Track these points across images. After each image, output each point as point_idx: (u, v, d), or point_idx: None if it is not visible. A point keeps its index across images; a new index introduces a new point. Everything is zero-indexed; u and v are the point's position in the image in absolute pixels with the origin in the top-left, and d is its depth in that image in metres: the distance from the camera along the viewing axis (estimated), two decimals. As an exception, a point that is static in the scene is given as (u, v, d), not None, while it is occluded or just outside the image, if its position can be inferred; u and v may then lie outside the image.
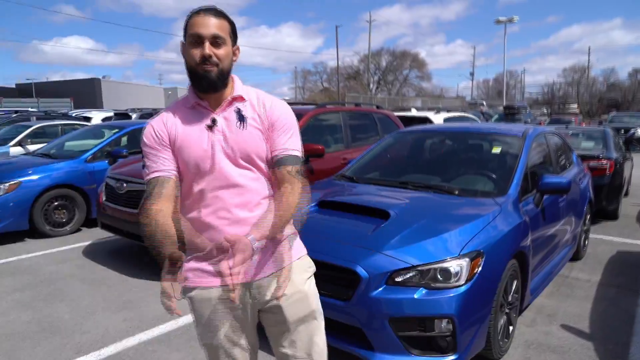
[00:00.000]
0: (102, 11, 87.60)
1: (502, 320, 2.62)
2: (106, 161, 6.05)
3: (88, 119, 13.62)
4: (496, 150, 3.48)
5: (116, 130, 6.67)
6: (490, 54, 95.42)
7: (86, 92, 37.29)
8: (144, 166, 1.41)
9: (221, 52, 1.35)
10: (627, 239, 5.31)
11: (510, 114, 20.27)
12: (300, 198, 1.42)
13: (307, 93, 54.01)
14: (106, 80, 42.07)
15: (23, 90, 40.53)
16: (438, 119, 8.01)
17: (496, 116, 21.47)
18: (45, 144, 7.44)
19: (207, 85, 1.36)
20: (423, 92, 52.03)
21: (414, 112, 9.13)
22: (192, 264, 1.44)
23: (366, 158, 3.95)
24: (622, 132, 14.22)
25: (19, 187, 5.37)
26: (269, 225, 1.34)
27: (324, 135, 5.49)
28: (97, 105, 33.26)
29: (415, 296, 2.18)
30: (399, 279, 2.24)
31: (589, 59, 50.64)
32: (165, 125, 1.40)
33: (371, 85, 48.98)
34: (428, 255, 2.28)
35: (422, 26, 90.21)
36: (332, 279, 2.34)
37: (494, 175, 3.30)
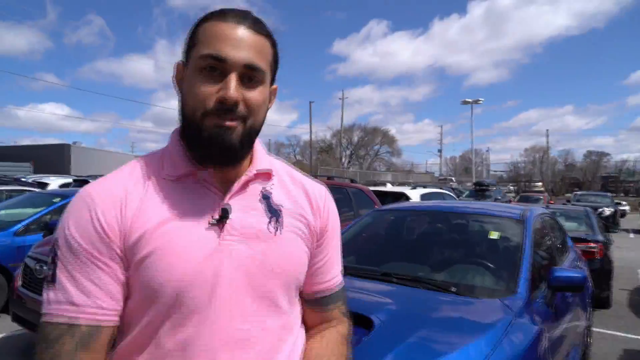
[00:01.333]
0: (82, 80, 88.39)
1: None
2: (41, 234, 5.24)
3: (44, 184, 12.70)
4: (493, 235, 2.97)
5: (59, 198, 5.91)
6: (456, 133, 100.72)
7: (55, 158, 35.99)
8: (47, 280, 0.73)
9: (256, 96, 0.76)
10: (629, 334, 4.77)
11: (480, 190, 20.54)
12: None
13: (280, 165, 54.38)
14: (77, 146, 41.05)
15: (-13, 154, 38.86)
16: (415, 194, 7.62)
17: (467, 192, 21.68)
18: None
19: (221, 154, 0.76)
20: (393, 166, 53.28)
21: (389, 187, 8.78)
22: None
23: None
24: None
25: None
26: None
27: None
28: (66, 171, 31.93)
29: None
30: None
31: (547, 141, 53.50)
32: (122, 211, 0.73)
33: (343, 159, 49.81)
34: (429, 390, 1.63)
35: (392, 105, 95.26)
36: None
37: (492, 266, 2.75)
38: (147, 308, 0.74)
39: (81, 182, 13.78)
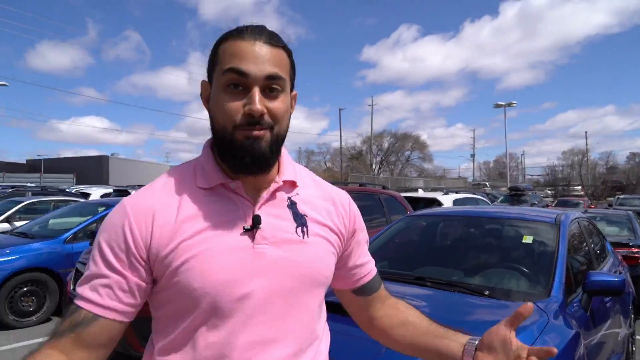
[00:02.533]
0: (120, 93, 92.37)
1: None
2: (88, 242, 5.56)
3: (86, 195, 13.36)
4: (527, 239, 2.96)
5: (103, 207, 6.25)
6: (489, 137, 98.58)
7: (94, 169, 37.69)
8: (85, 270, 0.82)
9: (278, 105, 0.82)
10: (677, 343, 4.57)
11: (516, 195, 20.01)
12: None
13: (311, 172, 54.55)
14: (114, 157, 42.73)
15: (33, 166, 41.07)
16: (447, 200, 7.58)
17: (502, 198, 21.18)
18: (27, 221, 6.99)
19: (253, 163, 0.81)
20: (425, 172, 52.55)
21: (420, 193, 8.74)
22: None
23: (373, 246, 3.43)
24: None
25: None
26: None
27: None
28: (104, 181, 33.32)
29: None
30: None
31: (586, 143, 51.54)
32: (153, 224, 0.79)
33: (374, 166, 49.60)
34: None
35: (423, 110, 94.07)
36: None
37: (526, 270, 2.76)
38: (184, 313, 0.79)
39: (121, 192, 14.40)
